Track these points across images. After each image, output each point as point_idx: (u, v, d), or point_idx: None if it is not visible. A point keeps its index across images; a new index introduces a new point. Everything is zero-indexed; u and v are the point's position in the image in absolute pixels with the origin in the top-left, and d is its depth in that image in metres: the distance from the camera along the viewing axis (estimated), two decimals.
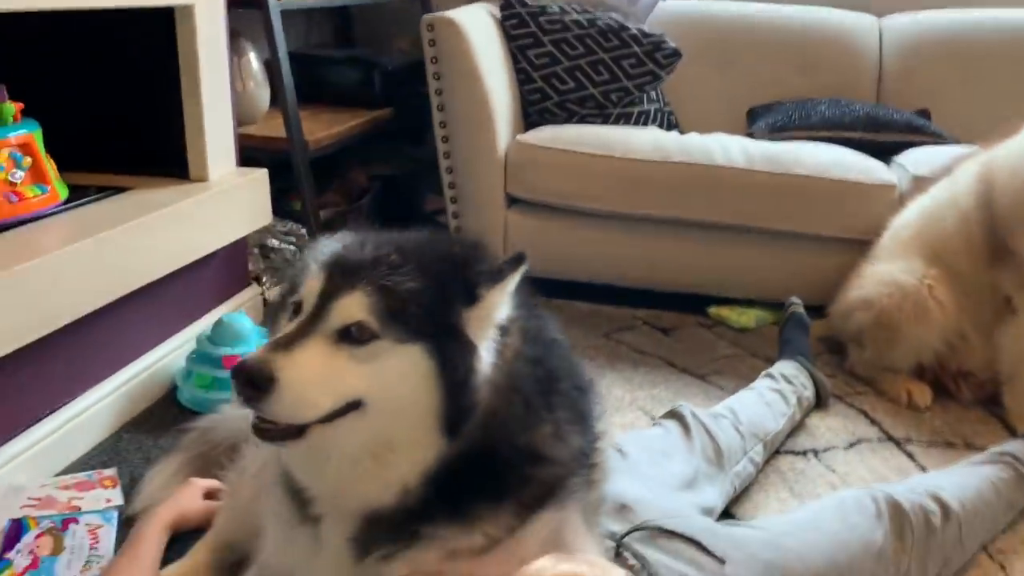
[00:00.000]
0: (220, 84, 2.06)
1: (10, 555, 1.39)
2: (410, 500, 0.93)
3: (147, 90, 2.02)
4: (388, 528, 0.95)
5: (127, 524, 1.51)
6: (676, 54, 2.75)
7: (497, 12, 2.75)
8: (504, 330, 0.98)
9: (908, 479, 1.60)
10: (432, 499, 0.93)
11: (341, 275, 0.91)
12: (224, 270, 2.19)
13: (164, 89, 2.00)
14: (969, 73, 2.85)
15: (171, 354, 2.01)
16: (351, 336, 0.89)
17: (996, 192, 1.96)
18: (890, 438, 1.94)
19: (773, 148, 2.48)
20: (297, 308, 0.93)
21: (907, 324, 2.05)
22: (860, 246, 2.32)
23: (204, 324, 2.12)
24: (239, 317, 1.99)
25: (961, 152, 2.34)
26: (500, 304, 0.97)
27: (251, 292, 2.35)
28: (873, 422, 2.01)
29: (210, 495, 1.53)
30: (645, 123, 2.81)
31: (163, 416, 1.91)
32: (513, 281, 0.97)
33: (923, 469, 1.81)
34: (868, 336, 2.13)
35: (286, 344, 0.87)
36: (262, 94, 2.63)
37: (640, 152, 2.47)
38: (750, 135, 2.69)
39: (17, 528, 1.45)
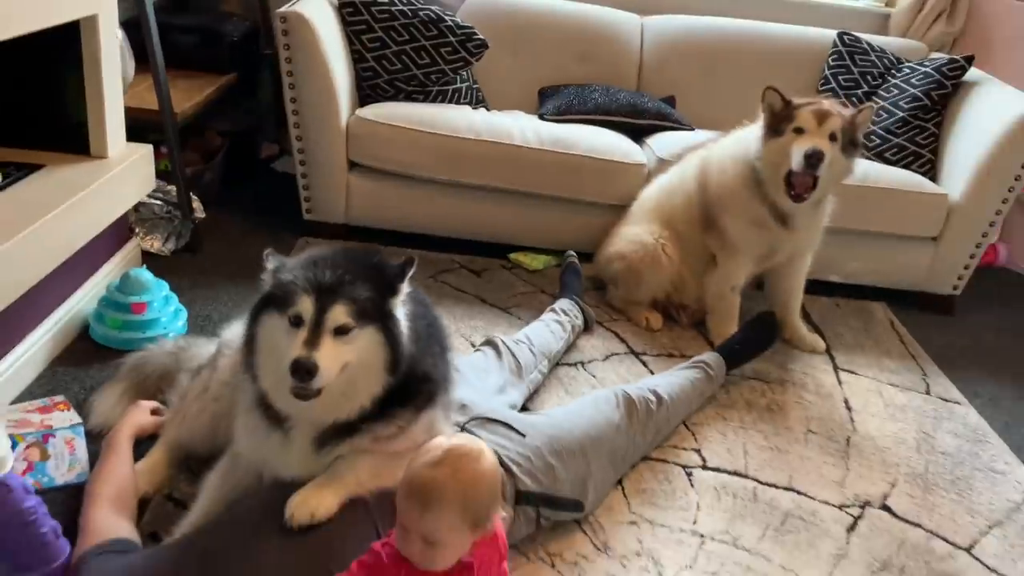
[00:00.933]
0: (115, 74, 2.45)
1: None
2: (363, 413, 1.56)
3: (52, 77, 2.39)
4: (341, 429, 1.57)
5: (88, 437, 2.01)
6: (484, 45, 3.37)
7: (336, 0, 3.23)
8: (404, 302, 1.62)
9: (639, 381, 2.42)
10: (372, 409, 1.56)
11: (325, 296, 1.47)
12: (115, 230, 2.61)
13: (67, 77, 2.38)
14: (707, 68, 3.67)
15: (81, 301, 2.45)
16: (340, 331, 1.47)
17: (709, 182, 2.80)
18: (633, 352, 2.78)
19: (559, 131, 3.20)
20: (297, 317, 1.47)
21: (647, 271, 2.88)
22: (619, 210, 3.13)
23: (102, 273, 2.56)
24: (143, 272, 2.45)
25: (694, 141, 3.16)
26: (406, 289, 1.60)
27: (132, 243, 2.79)
28: (622, 341, 2.84)
29: (154, 412, 2.06)
30: (459, 99, 3.42)
31: (84, 351, 2.38)
32: (411, 273, 1.61)
33: (652, 373, 2.66)
34: (620, 279, 2.95)
35: (313, 345, 1.44)
36: (128, 68, 2.96)
37: (457, 131, 3.10)
38: (541, 116, 3.39)
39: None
